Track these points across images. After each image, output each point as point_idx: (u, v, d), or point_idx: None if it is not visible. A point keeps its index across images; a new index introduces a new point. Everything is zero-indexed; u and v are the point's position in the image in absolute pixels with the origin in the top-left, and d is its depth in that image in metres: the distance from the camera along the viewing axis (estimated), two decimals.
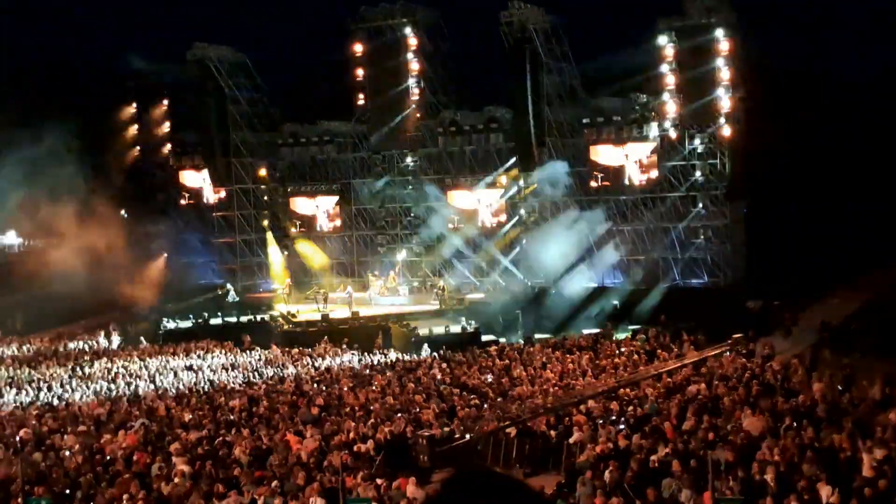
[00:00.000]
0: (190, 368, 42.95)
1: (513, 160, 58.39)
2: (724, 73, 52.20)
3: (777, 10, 60.12)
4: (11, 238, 72.50)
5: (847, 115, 53.80)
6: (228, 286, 62.38)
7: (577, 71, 56.96)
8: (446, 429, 29.70)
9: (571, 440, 27.59)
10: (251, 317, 56.26)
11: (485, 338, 49.98)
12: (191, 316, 56.85)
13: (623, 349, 42.94)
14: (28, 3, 77.42)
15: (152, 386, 39.06)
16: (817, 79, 54.47)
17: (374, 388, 36.76)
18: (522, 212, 59.23)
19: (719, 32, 51.94)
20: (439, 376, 38.75)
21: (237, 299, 61.62)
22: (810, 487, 20.99)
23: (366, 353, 46.84)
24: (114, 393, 37.98)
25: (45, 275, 56.03)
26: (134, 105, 66.72)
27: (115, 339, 53.67)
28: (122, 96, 65.99)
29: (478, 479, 4.38)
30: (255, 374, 41.43)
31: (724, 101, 52.42)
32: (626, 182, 55.60)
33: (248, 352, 47.71)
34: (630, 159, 55.28)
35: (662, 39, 53.35)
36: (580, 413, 30.88)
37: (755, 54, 53.37)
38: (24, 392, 38.17)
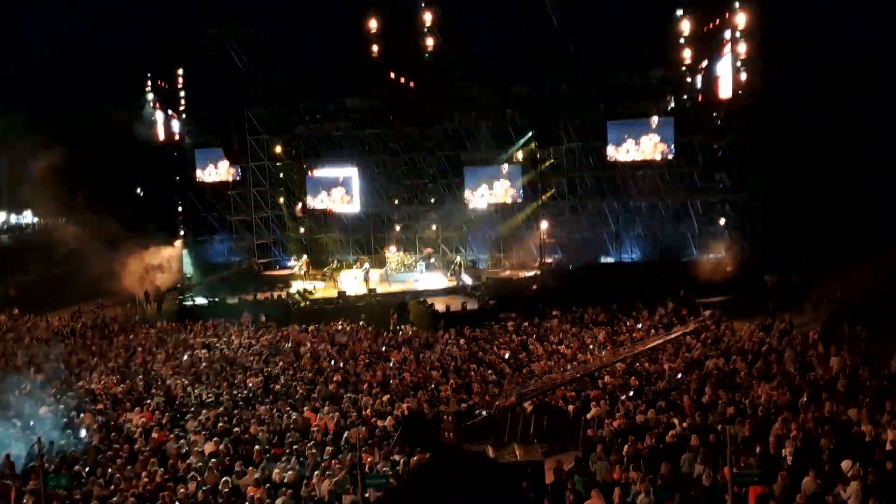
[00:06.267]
0: (207, 346, 43.00)
1: (529, 135, 58.38)
2: (742, 47, 51.99)
3: None
4: (28, 217, 72.84)
5: (867, 87, 53.45)
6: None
7: (594, 46, 56.72)
8: (463, 405, 29.67)
9: (588, 415, 27.55)
10: (268, 294, 56.25)
11: (502, 313, 49.87)
12: (208, 293, 56.88)
13: (640, 325, 42.88)
14: None
15: (169, 364, 39.09)
16: (837, 51, 54.10)
17: (390, 364, 36.76)
18: (540, 187, 59.10)
19: (737, 5, 51.70)
20: (456, 352, 38.73)
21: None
22: (830, 461, 20.92)
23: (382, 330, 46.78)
24: (131, 370, 38.05)
25: (62, 253, 56.19)
26: (149, 82, 66.62)
27: (133, 318, 53.77)
28: (137, 73, 65.89)
29: (448, 459, 4.33)
30: (272, 351, 41.36)
31: (742, 74, 52.21)
32: (644, 157, 55.44)
33: (265, 329, 47.67)
34: (647, 134, 55.13)
35: (679, 13, 53.08)
36: (597, 388, 30.87)
37: (773, 27, 53.10)
38: (42, 370, 38.25)
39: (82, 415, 29.81)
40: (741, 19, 51.66)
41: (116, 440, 26.77)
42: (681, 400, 28.13)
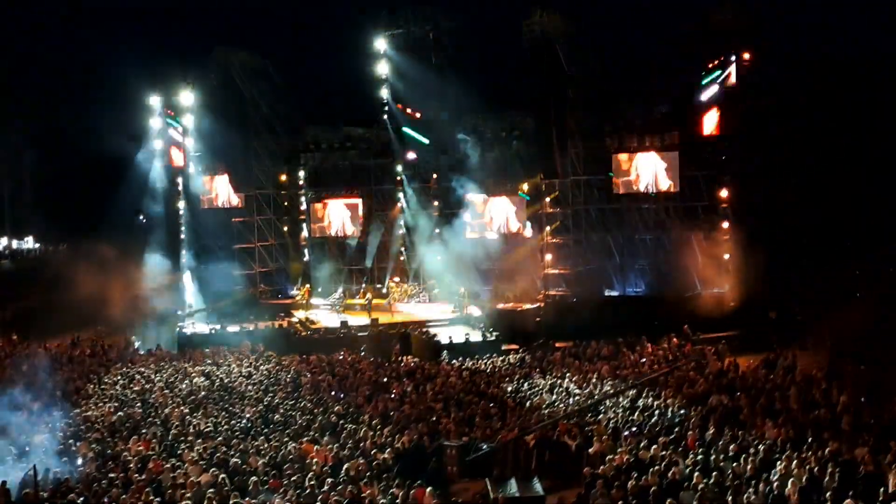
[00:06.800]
0: (206, 374, 42.71)
1: (535, 167, 58.38)
2: (747, 83, 52.12)
3: (802, 26, 59.76)
4: (30, 242, 72.79)
5: (873, 123, 53.37)
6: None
7: (600, 78, 56.73)
8: (465, 438, 29.42)
9: (591, 451, 27.28)
10: (269, 323, 56.07)
11: (505, 345, 49.72)
12: (208, 322, 56.72)
13: (644, 359, 42.62)
14: (45, 6, 77.31)
15: (167, 392, 38.80)
16: (843, 90, 54.10)
17: (392, 396, 36.47)
18: (545, 219, 59.09)
19: (741, 43, 51.88)
20: (459, 384, 38.47)
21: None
22: (834, 501, 20.66)
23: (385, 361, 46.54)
24: (128, 399, 37.75)
25: (62, 279, 55.99)
26: (155, 107, 66.58)
27: (132, 345, 53.51)
28: (144, 97, 65.85)
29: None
30: (272, 381, 41.06)
31: (747, 110, 52.28)
32: (649, 190, 55.44)
33: (264, 358, 47.38)
34: (652, 168, 55.11)
35: (684, 49, 53.24)
36: (599, 423, 30.63)
37: (778, 64, 53.23)
38: (39, 397, 37.96)
39: (78, 443, 29.53)
40: (746, 56, 51.91)
41: (112, 469, 26.47)
42: (685, 436, 27.89)
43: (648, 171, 55.36)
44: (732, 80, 52.78)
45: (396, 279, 62.09)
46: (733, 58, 52.43)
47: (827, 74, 54.58)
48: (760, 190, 53.07)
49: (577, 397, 35.60)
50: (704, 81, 53.41)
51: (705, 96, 53.47)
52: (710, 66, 53.20)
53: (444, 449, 28.03)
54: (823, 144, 51.81)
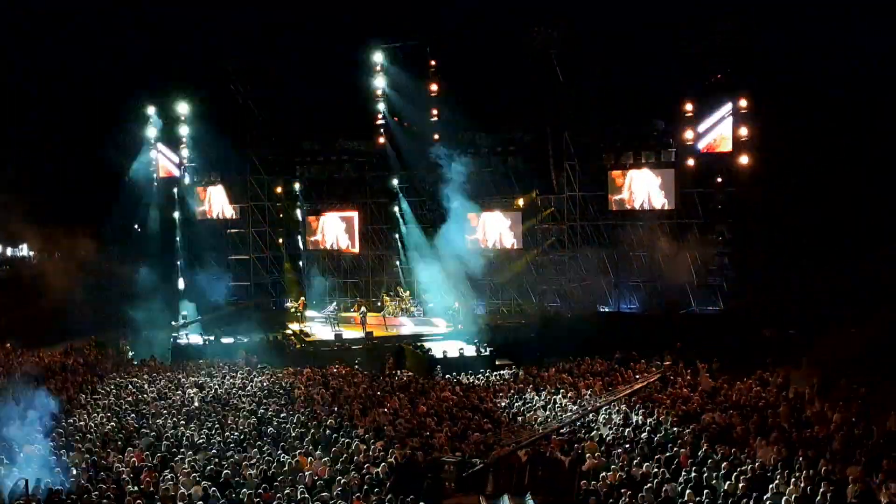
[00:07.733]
0: (199, 386, 42.63)
1: (530, 183, 58.38)
2: (743, 102, 52.12)
3: (799, 41, 59.73)
4: (24, 250, 72.68)
5: (870, 141, 53.34)
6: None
7: (597, 95, 56.75)
8: (458, 453, 29.36)
9: (584, 467, 27.23)
10: (263, 335, 56.03)
11: (499, 361, 49.65)
12: (202, 333, 56.66)
13: (638, 376, 42.57)
14: (41, 17, 77.20)
15: (161, 403, 38.73)
16: (839, 103, 54.06)
17: (385, 410, 36.42)
18: (540, 235, 59.08)
19: (737, 61, 51.92)
20: (452, 399, 38.42)
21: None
22: None
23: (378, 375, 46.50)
24: (122, 409, 37.66)
25: (56, 287, 55.96)
26: (149, 118, 66.71)
27: (126, 355, 53.43)
28: (139, 108, 66.00)
29: None
30: (266, 393, 41.01)
31: (743, 129, 52.27)
32: (644, 207, 55.41)
33: (258, 370, 47.34)
34: (647, 184, 55.09)
35: (680, 67, 53.25)
36: (591, 440, 30.58)
37: (774, 82, 53.20)
38: (31, 406, 37.85)
39: (71, 453, 29.44)
40: (743, 72, 51.96)
41: (105, 480, 26.40)
42: (677, 453, 27.85)
43: (643, 187, 55.31)
44: (730, 99, 52.79)
45: (391, 293, 62.02)
46: (732, 69, 52.42)
47: (827, 75, 54.51)
48: (760, 195, 53.01)
49: (570, 413, 35.55)
50: (703, 97, 53.46)
51: (703, 112, 53.44)
52: (709, 83, 53.19)
53: (441, 464, 27.99)
54: (823, 144, 51.72)
